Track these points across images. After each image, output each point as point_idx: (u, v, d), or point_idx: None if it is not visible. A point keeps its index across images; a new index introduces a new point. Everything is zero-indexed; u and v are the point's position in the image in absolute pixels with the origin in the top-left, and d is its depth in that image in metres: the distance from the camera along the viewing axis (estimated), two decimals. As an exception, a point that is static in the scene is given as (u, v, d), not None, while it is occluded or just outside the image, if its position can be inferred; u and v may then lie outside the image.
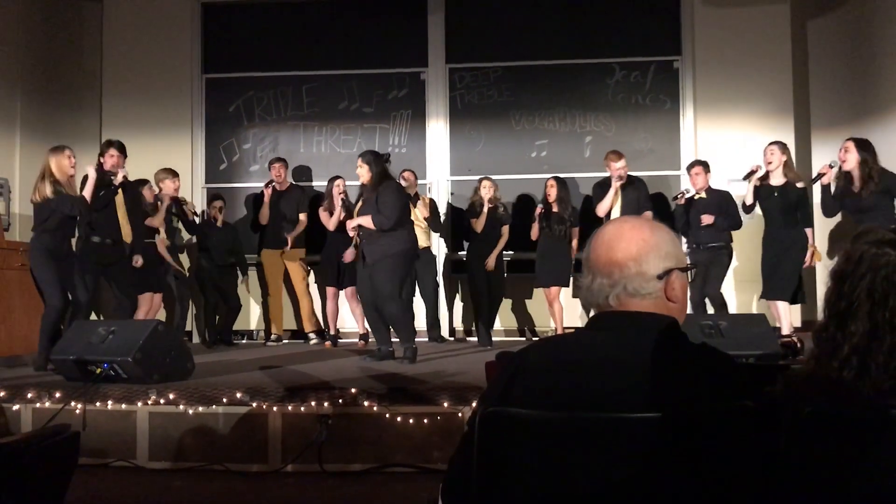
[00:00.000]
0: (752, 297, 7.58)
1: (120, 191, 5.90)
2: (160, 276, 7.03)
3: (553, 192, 7.04)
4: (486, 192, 7.14)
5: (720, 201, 6.58)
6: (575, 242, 7.04)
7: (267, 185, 7.52)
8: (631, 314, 1.51)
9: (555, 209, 7.02)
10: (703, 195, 6.61)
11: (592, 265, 1.57)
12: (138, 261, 6.31)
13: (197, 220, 7.50)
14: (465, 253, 7.79)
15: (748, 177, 6.28)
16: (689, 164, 6.91)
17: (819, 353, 1.49)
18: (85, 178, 5.62)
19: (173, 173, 7.23)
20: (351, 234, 5.96)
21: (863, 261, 1.46)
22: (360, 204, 5.73)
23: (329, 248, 7.22)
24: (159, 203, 6.97)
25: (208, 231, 7.51)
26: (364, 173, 5.59)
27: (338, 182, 7.12)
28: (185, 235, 7.67)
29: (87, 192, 5.50)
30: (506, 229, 7.19)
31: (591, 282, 1.56)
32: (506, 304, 7.73)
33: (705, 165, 6.70)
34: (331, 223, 7.03)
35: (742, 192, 6.45)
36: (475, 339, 7.40)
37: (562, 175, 7.39)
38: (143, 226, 6.56)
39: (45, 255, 5.33)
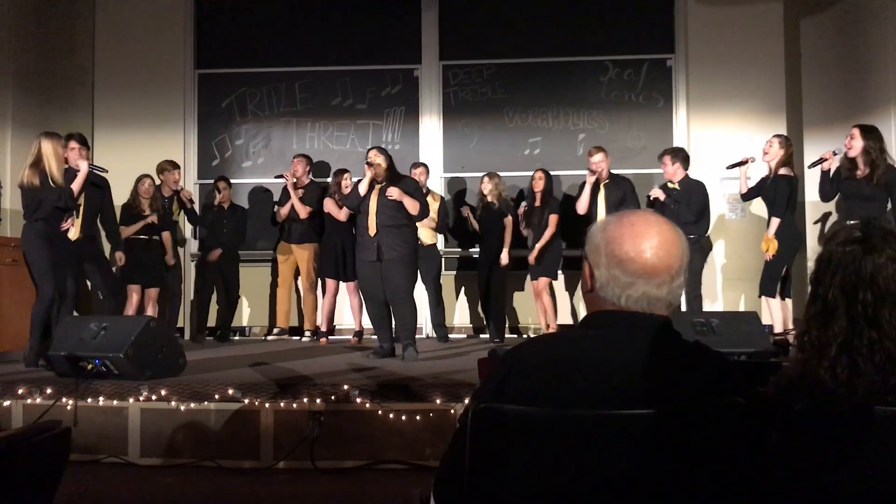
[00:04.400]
0: (740, 294, 7.60)
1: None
2: (156, 271, 7.01)
3: (540, 185, 7.02)
4: (484, 187, 7.17)
5: (689, 191, 6.35)
6: (552, 228, 6.90)
7: (293, 186, 7.36)
8: (627, 313, 1.49)
9: (537, 203, 7.00)
10: (676, 186, 6.41)
11: (630, 267, 1.46)
12: (121, 259, 6.33)
13: (196, 207, 7.52)
14: (460, 249, 7.97)
15: (734, 166, 6.25)
16: (660, 153, 6.67)
17: (805, 357, 1.50)
18: (71, 169, 5.54)
19: (174, 164, 7.30)
20: (394, 195, 5.51)
21: (832, 261, 1.49)
22: (374, 196, 5.56)
23: (329, 238, 7.19)
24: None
25: (215, 213, 7.51)
26: (383, 163, 5.57)
27: (346, 175, 7.13)
28: (188, 227, 7.68)
29: (77, 185, 5.39)
30: (507, 221, 7.10)
31: (629, 284, 1.47)
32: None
33: (675, 153, 6.50)
34: (342, 214, 6.86)
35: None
36: (478, 336, 7.39)
37: (554, 172, 7.40)
38: (113, 228, 6.52)
39: (40, 242, 5.23)
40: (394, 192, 5.47)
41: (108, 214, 6.14)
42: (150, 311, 6.89)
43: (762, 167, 6.20)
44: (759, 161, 6.19)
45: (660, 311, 1.49)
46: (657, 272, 1.46)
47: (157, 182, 7.19)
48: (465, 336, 7.85)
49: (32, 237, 5.27)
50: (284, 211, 7.43)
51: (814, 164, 5.99)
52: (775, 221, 5.85)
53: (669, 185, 6.47)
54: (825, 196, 5.92)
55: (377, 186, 5.58)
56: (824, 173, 5.88)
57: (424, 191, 6.85)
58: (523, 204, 7.16)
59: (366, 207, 5.59)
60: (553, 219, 6.89)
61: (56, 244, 5.31)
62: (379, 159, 5.58)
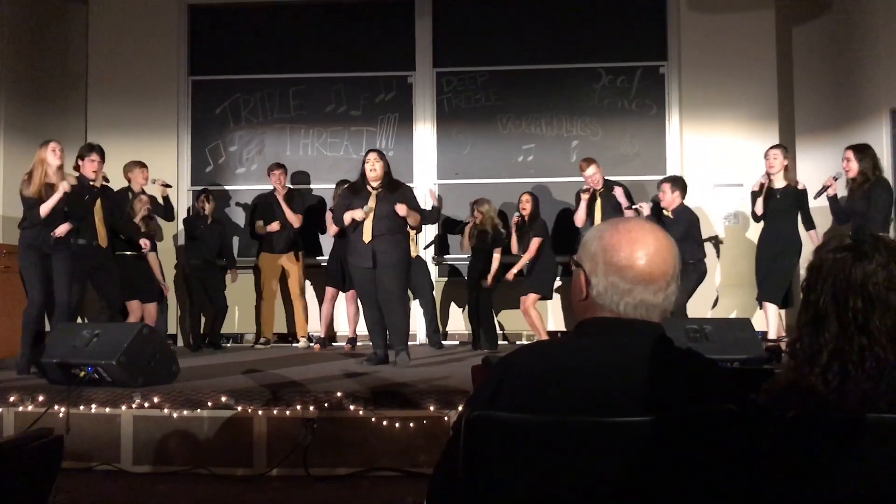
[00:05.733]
0: (733, 301, 7.62)
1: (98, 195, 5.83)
2: (155, 286, 6.98)
3: (528, 207, 7.01)
4: (476, 215, 7.15)
5: (677, 218, 6.40)
6: (531, 252, 6.87)
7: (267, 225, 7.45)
8: (620, 321, 1.50)
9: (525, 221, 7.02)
10: (670, 214, 6.48)
11: (628, 274, 1.47)
12: (147, 244, 6.57)
13: (165, 201, 7.22)
14: (450, 256, 8.03)
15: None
16: (660, 180, 6.75)
17: (797, 364, 1.51)
18: (83, 178, 5.64)
19: (139, 163, 7.01)
20: (402, 212, 5.48)
21: (823, 268, 1.50)
22: (371, 201, 5.53)
23: (336, 249, 7.18)
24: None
25: (197, 224, 7.48)
26: (381, 169, 5.57)
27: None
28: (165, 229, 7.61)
29: (48, 205, 5.29)
30: (496, 255, 7.06)
31: (627, 291, 1.48)
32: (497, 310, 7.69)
33: (674, 182, 6.57)
34: (331, 231, 6.94)
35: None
36: (472, 343, 7.41)
37: (548, 179, 7.40)
38: (132, 228, 6.54)
39: (26, 251, 5.30)
40: (402, 210, 5.48)
41: (124, 223, 6.45)
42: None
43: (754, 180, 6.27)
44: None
45: (655, 318, 1.50)
46: (654, 279, 1.47)
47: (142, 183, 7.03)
48: (458, 343, 7.84)
49: (21, 245, 5.36)
50: (275, 226, 7.38)
51: (819, 194, 6.09)
52: (813, 233, 6.13)
53: (665, 213, 6.55)
54: (840, 219, 6.08)
55: (374, 192, 5.55)
56: (831, 198, 6.02)
57: None
58: (515, 215, 7.16)
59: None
60: (535, 242, 6.86)
61: (45, 252, 5.30)
62: (378, 165, 5.56)
